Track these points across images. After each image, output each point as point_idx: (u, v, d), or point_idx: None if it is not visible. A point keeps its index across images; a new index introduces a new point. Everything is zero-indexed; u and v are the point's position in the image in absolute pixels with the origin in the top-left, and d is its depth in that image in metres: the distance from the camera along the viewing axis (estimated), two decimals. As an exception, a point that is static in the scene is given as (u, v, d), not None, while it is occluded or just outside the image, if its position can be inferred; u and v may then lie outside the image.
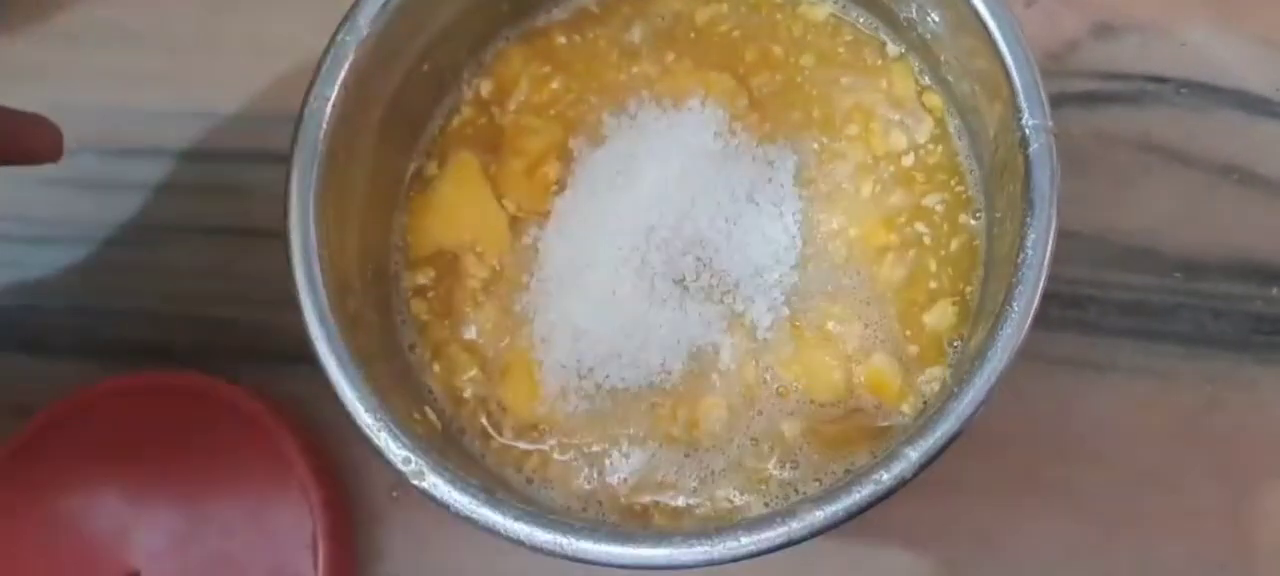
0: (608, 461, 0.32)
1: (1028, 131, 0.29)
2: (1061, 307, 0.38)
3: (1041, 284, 0.28)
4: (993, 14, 0.30)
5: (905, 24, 0.34)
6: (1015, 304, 0.28)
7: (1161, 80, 0.40)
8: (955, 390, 0.27)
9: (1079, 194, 0.39)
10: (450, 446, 0.32)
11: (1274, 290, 0.38)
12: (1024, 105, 0.29)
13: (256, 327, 0.40)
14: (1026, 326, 0.28)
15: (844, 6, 0.35)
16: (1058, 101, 0.40)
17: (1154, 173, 0.40)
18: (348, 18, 0.31)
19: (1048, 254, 0.28)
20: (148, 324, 0.41)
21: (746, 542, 0.27)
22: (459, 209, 0.35)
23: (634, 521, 0.31)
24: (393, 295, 0.34)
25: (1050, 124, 0.29)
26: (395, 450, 0.28)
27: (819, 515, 0.27)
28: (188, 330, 0.40)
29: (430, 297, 0.34)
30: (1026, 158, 0.29)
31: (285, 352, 0.39)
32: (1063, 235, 0.38)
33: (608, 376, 0.33)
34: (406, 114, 0.34)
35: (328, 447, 0.37)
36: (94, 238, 0.42)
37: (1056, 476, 0.37)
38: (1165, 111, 0.40)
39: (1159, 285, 0.39)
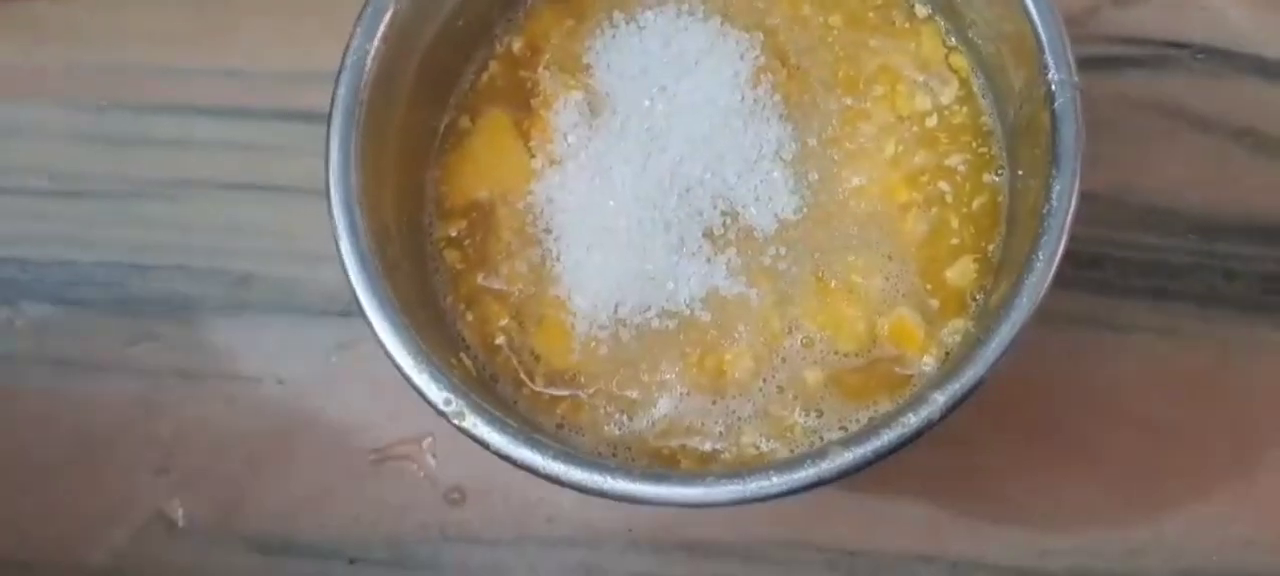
0: (637, 407, 0.33)
1: (1054, 87, 0.30)
2: (1078, 267, 0.39)
3: (1065, 237, 0.29)
4: None
5: None
6: (1040, 255, 0.29)
7: (1180, 45, 0.41)
8: (981, 338, 0.28)
9: (1097, 156, 0.40)
10: (485, 392, 0.33)
11: (1287, 252, 0.39)
12: (1051, 61, 0.30)
13: (283, 282, 0.41)
14: (1050, 278, 0.29)
15: None
16: (1078, 65, 0.41)
17: (1171, 136, 0.40)
18: (387, -32, 0.32)
19: (1072, 207, 0.29)
20: (177, 277, 0.41)
21: (777, 482, 0.28)
22: (491, 162, 0.35)
23: (662, 465, 0.32)
24: (427, 245, 0.35)
25: (1076, 80, 0.30)
26: (435, 392, 0.29)
27: (848, 456, 0.28)
28: (216, 283, 0.41)
29: (464, 248, 0.35)
30: (1052, 113, 0.30)
31: (311, 306, 0.40)
32: (1081, 196, 0.39)
33: (636, 325, 0.33)
34: (440, 68, 0.35)
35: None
36: (123, 193, 0.43)
37: (1071, 430, 0.38)
38: (1183, 76, 0.41)
39: (1174, 246, 0.39)
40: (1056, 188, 0.29)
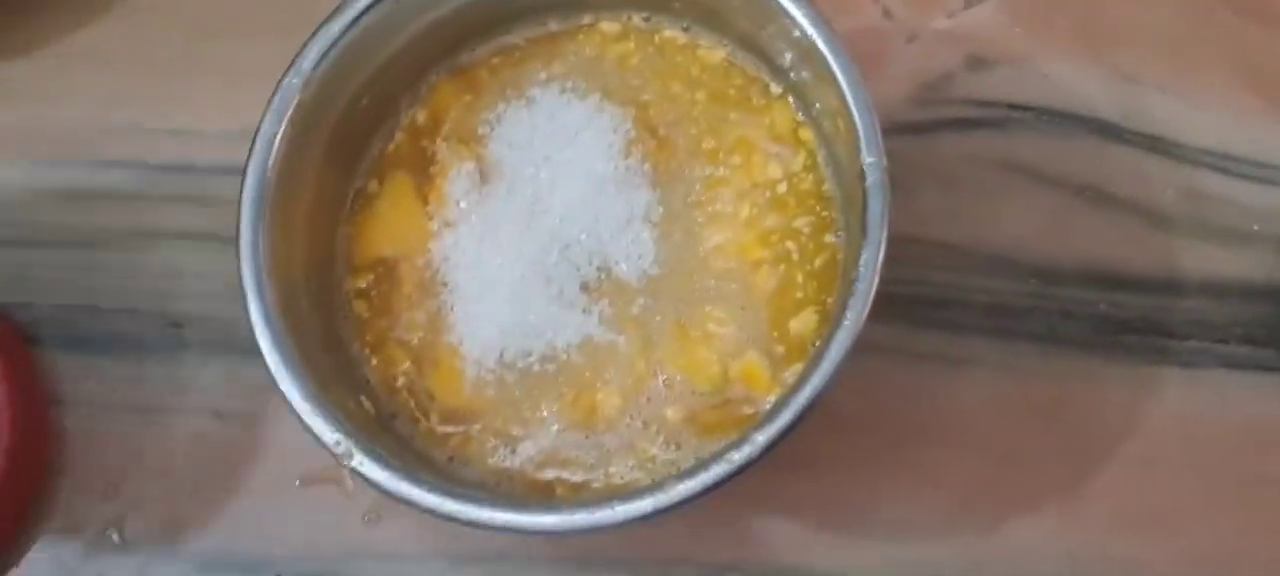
0: (519, 442, 0.37)
1: (866, 166, 0.34)
2: (928, 308, 0.43)
3: (871, 297, 0.33)
4: (841, 70, 0.35)
5: (784, 70, 0.39)
6: (848, 314, 0.33)
7: (1025, 108, 0.45)
8: (795, 387, 0.33)
9: (949, 208, 0.45)
10: (383, 431, 0.37)
11: (1119, 296, 0.43)
12: (863, 145, 0.34)
13: (222, 324, 0.44)
14: (858, 331, 0.33)
15: (735, 52, 0.40)
16: (932, 127, 0.46)
17: (1016, 190, 0.45)
18: (294, 61, 0.37)
19: (876, 272, 0.33)
20: (125, 319, 0.45)
21: (620, 511, 0.32)
22: (395, 223, 0.40)
23: (540, 494, 0.37)
24: (336, 296, 0.39)
25: (885, 162, 0.34)
26: (328, 434, 0.33)
27: (681, 488, 0.32)
28: (160, 325, 0.45)
29: (371, 298, 0.39)
30: (865, 189, 0.34)
31: (246, 347, 0.44)
32: (933, 244, 0.44)
33: (520, 368, 0.38)
34: (349, 140, 0.39)
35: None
36: (80, 243, 0.46)
37: (921, 457, 0.42)
38: (1028, 136, 0.45)
39: (1016, 290, 0.43)
40: (864, 255, 0.33)
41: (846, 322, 0.33)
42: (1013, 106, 0.45)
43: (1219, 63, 0.46)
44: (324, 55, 0.37)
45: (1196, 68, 0.46)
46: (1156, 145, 0.45)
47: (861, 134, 0.34)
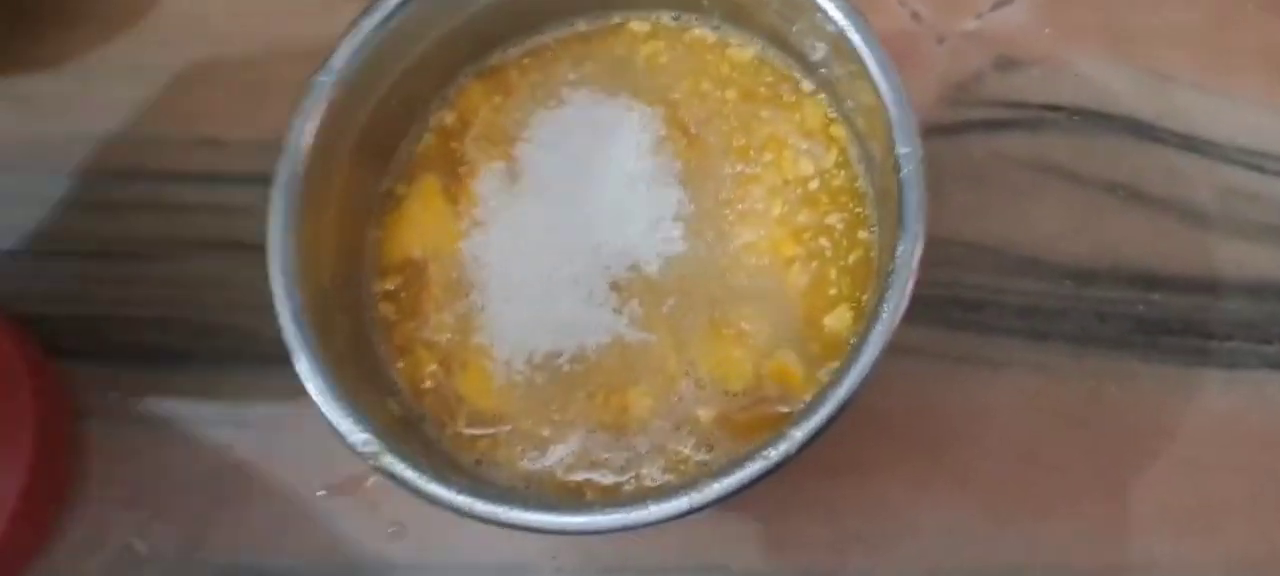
0: (548, 444, 0.37)
1: (900, 158, 0.33)
2: (963, 310, 0.43)
3: (909, 290, 0.32)
4: (875, 60, 0.34)
5: (815, 66, 0.39)
6: (885, 307, 0.32)
7: (1057, 108, 0.45)
8: (833, 381, 0.32)
9: (980, 209, 0.44)
10: (411, 433, 0.37)
11: (1154, 295, 0.43)
12: (898, 135, 0.34)
13: (245, 332, 0.44)
14: (895, 326, 0.32)
15: (765, 49, 0.40)
16: (962, 128, 0.45)
17: (1048, 190, 0.44)
18: (324, 61, 0.36)
19: (915, 264, 0.32)
20: (149, 329, 0.45)
21: (655, 511, 0.31)
22: (424, 225, 0.39)
23: (569, 497, 0.36)
24: (364, 298, 0.39)
25: (920, 152, 0.33)
26: (356, 435, 0.33)
27: (716, 487, 0.31)
28: (184, 334, 0.45)
29: (399, 301, 0.39)
30: (899, 181, 0.33)
31: (269, 355, 0.44)
32: (965, 246, 0.44)
33: (549, 369, 0.37)
34: (378, 142, 0.39)
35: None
36: (100, 252, 0.46)
37: (956, 460, 0.41)
38: (1059, 136, 0.45)
39: (1050, 291, 0.43)
40: (900, 248, 0.33)
41: (883, 316, 0.32)
42: (1044, 107, 0.45)
43: (1252, 60, 0.45)
44: (355, 53, 0.36)
45: (1229, 65, 0.45)
46: (1190, 143, 0.44)
47: (895, 123, 0.34)
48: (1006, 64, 0.46)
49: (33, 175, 0.48)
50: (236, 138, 0.47)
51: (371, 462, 0.33)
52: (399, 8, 0.37)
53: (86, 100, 0.49)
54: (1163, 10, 0.46)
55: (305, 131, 0.36)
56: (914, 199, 0.33)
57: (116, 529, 0.43)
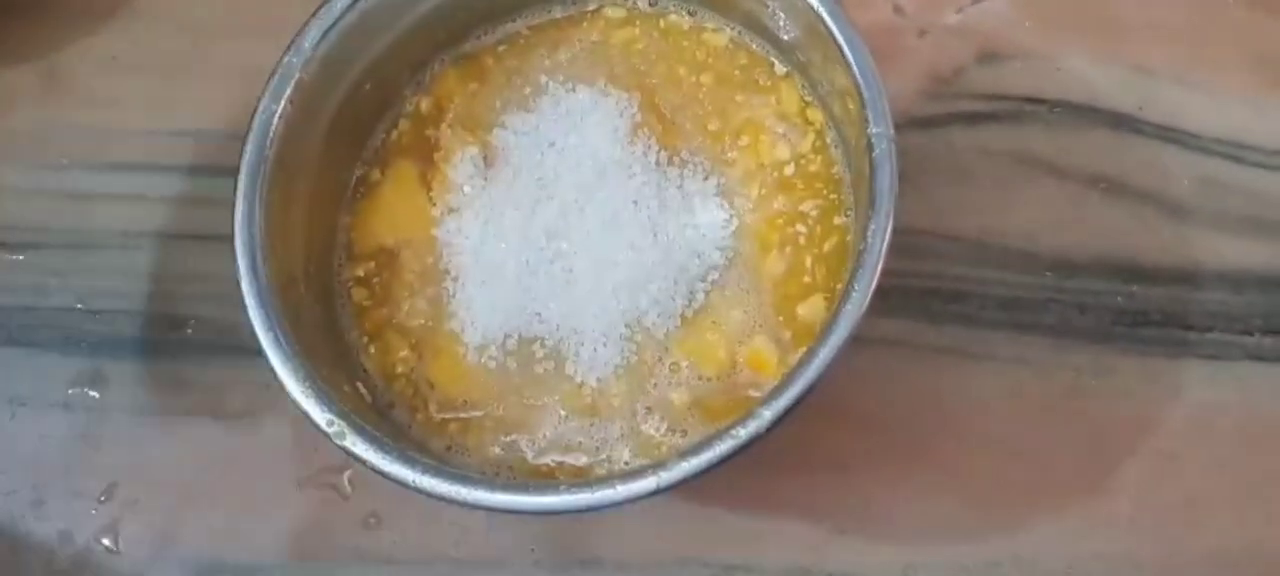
0: (519, 429, 0.36)
1: (872, 138, 0.33)
2: (944, 302, 0.42)
3: (878, 269, 0.32)
4: (848, 43, 0.34)
5: (790, 49, 0.39)
6: (856, 286, 0.32)
7: (1038, 101, 0.45)
8: (804, 360, 0.32)
9: (962, 201, 0.44)
10: (382, 419, 0.36)
11: (1134, 288, 0.42)
12: (870, 115, 0.33)
13: (220, 324, 0.44)
14: (866, 305, 0.32)
15: (740, 33, 0.40)
16: (944, 121, 0.45)
17: (1030, 183, 0.44)
18: (294, 40, 0.36)
19: (885, 245, 0.32)
20: (123, 320, 0.45)
21: (622, 491, 0.31)
22: (398, 211, 0.39)
23: (540, 481, 0.35)
24: (335, 284, 0.38)
25: (892, 133, 0.33)
26: (319, 414, 0.32)
27: (684, 466, 0.31)
28: (158, 326, 0.44)
29: (372, 286, 0.39)
30: (871, 161, 0.33)
31: (244, 347, 0.43)
32: (946, 238, 0.43)
33: (521, 355, 0.37)
34: (351, 127, 0.39)
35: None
36: (81, 244, 0.46)
37: (937, 453, 0.41)
38: (1041, 129, 0.45)
39: (1032, 282, 0.43)
40: (871, 227, 0.32)
41: (854, 295, 0.32)
42: (1026, 99, 0.45)
43: (1232, 53, 0.45)
44: (324, 35, 0.36)
45: (1210, 58, 0.45)
46: (1172, 136, 0.44)
47: (868, 103, 0.33)
48: (988, 57, 0.46)
49: (7, 165, 0.47)
50: (215, 129, 0.47)
51: (337, 442, 0.32)
52: (371, -10, 0.37)
53: (62, 91, 0.49)
54: (1144, 4, 0.46)
55: (273, 112, 0.36)
56: (885, 179, 0.33)
57: (89, 523, 0.42)
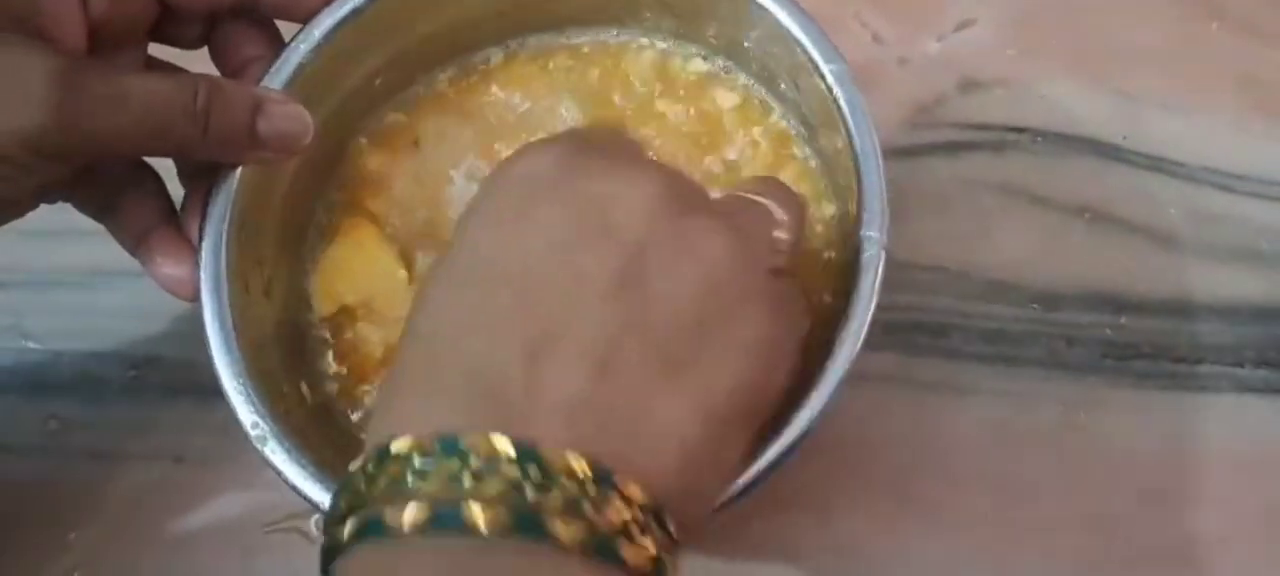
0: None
1: (863, 240, 0.32)
2: (928, 336, 0.42)
3: (842, 377, 0.30)
4: (861, 147, 0.33)
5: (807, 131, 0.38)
6: (815, 393, 0.30)
7: (1021, 130, 0.44)
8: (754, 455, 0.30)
9: (944, 232, 0.43)
10: (320, 419, 0.35)
11: (1123, 319, 0.41)
12: (866, 217, 0.32)
13: (184, 364, 0.43)
14: (820, 411, 0.30)
15: (752, 93, 0.39)
16: (926, 150, 0.44)
17: (1014, 213, 0.43)
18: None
19: (855, 352, 0.30)
20: (87, 360, 0.43)
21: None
22: (355, 268, 0.38)
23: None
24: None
25: (885, 241, 0.31)
26: (246, 414, 0.31)
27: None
28: (122, 366, 0.43)
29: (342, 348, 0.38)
30: (858, 263, 0.31)
31: (208, 387, 0.42)
32: (930, 270, 0.42)
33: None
34: (307, 188, 0.38)
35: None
36: (43, 282, 0.45)
37: (922, 491, 0.40)
38: (1025, 158, 0.44)
39: (1018, 315, 0.42)
40: (841, 332, 0.30)
41: (812, 400, 0.30)
42: (1008, 128, 0.44)
43: (1219, 80, 0.44)
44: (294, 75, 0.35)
45: (1195, 85, 0.44)
46: (1158, 164, 0.43)
47: (865, 205, 0.32)
48: (970, 85, 0.45)
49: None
50: (171, 166, 0.46)
51: (258, 446, 0.31)
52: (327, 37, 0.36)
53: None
54: (1127, 31, 0.45)
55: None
56: (868, 283, 0.31)
57: (51, 568, 0.41)
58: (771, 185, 0.30)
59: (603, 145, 0.28)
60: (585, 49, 0.40)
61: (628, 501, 0.23)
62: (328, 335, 0.37)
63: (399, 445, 0.23)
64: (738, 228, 0.26)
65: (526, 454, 0.22)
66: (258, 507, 0.41)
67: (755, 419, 0.27)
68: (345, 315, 0.37)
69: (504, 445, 0.22)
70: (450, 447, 0.22)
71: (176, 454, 0.42)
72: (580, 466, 0.22)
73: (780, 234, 0.29)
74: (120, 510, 0.42)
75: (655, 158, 0.34)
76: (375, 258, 0.38)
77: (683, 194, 0.26)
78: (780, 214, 0.29)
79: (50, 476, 0.42)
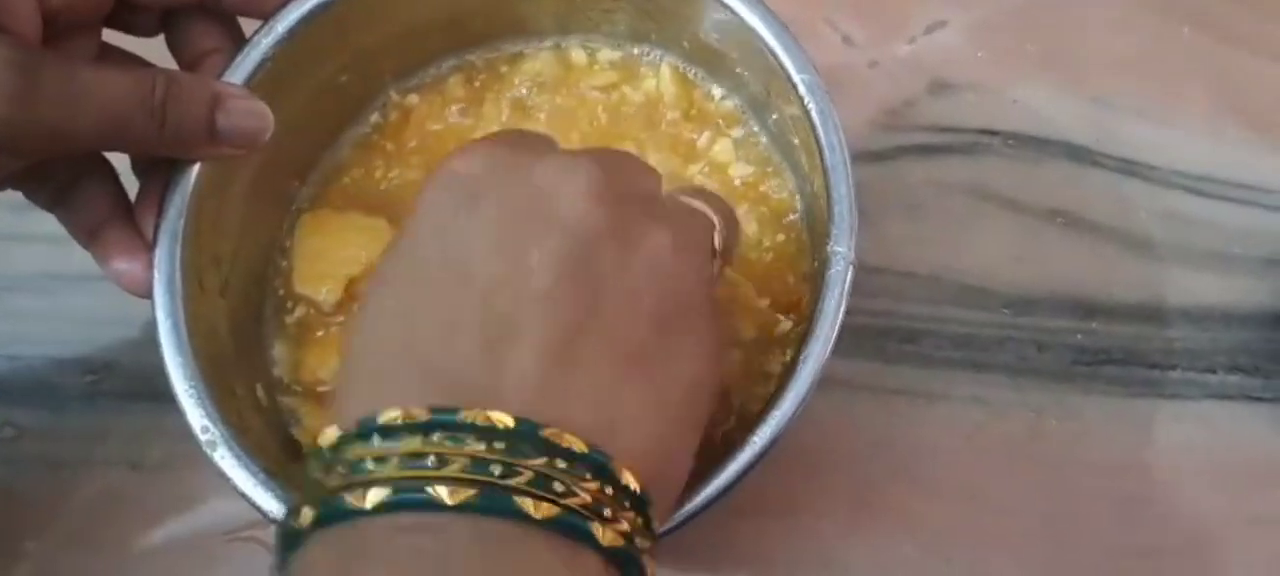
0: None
1: (831, 254, 0.31)
2: (898, 342, 0.41)
3: (806, 395, 0.30)
4: (832, 163, 0.32)
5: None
6: (776, 409, 0.30)
7: (993, 133, 0.44)
8: (705, 478, 0.29)
9: (916, 236, 0.43)
10: (272, 423, 0.35)
11: (1093, 324, 0.41)
12: (834, 232, 0.31)
13: (142, 370, 0.42)
14: (789, 417, 0.30)
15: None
16: (897, 154, 0.44)
17: (986, 217, 0.43)
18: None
19: (818, 370, 0.30)
20: (44, 367, 0.43)
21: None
22: (339, 245, 0.37)
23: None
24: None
25: (853, 257, 0.31)
26: (196, 416, 0.31)
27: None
28: (79, 372, 0.42)
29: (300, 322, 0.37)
30: (825, 277, 0.31)
31: (167, 394, 0.41)
32: (901, 274, 0.42)
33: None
34: (271, 186, 0.37)
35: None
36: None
37: (893, 497, 0.39)
38: (996, 161, 0.43)
39: (988, 320, 0.41)
40: (805, 350, 0.30)
41: (774, 416, 0.30)
42: (980, 131, 0.44)
43: (1190, 84, 0.44)
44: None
45: (1167, 90, 0.44)
46: (1131, 168, 0.43)
47: (834, 219, 0.31)
48: (940, 88, 0.44)
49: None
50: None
51: (207, 451, 0.31)
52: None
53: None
54: (1097, 34, 0.45)
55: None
56: (833, 301, 0.31)
57: (4, 577, 0.40)
58: (707, 195, 0.30)
59: (532, 142, 0.28)
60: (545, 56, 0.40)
61: (615, 485, 0.22)
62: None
63: (341, 434, 0.22)
64: (679, 229, 0.26)
65: (526, 427, 0.22)
66: (218, 516, 0.40)
67: (702, 421, 0.26)
68: (355, 290, 0.37)
69: (502, 419, 0.22)
70: (437, 424, 0.22)
71: (133, 461, 0.41)
72: (577, 445, 0.22)
73: (716, 241, 0.29)
74: (77, 518, 0.41)
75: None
76: (351, 224, 0.37)
77: (616, 179, 0.26)
78: (716, 221, 0.29)
79: (6, 484, 0.41)
